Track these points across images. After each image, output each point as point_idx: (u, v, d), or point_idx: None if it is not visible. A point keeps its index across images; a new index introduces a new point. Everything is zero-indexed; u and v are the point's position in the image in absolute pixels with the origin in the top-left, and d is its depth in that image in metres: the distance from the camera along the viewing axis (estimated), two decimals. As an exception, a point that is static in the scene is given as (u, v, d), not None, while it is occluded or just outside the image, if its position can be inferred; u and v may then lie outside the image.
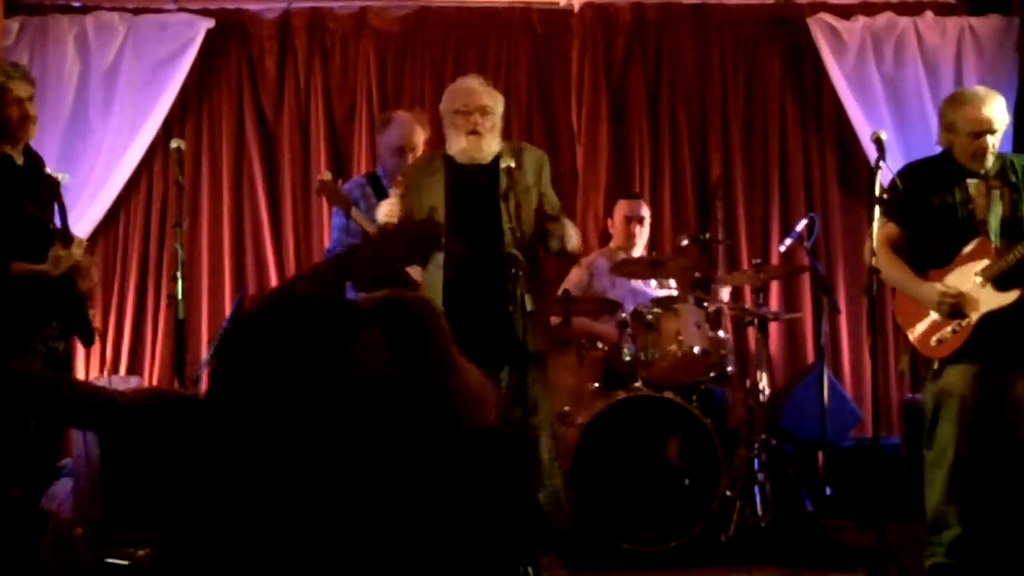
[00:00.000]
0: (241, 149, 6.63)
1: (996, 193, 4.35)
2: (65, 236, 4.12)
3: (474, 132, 4.45)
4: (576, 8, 6.70)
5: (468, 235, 4.31)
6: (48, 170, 4.36)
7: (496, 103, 4.54)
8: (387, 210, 4.60)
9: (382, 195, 5.22)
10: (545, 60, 6.76)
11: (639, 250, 6.04)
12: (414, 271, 5.11)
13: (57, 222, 4.23)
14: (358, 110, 6.65)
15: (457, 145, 4.48)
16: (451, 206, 4.48)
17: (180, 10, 6.50)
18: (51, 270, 4.04)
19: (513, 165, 4.27)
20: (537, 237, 4.47)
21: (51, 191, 4.26)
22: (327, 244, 6.46)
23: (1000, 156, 4.41)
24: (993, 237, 4.31)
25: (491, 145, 4.47)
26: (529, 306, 3.99)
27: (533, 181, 4.52)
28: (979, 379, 4.26)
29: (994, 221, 4.33)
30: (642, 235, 6.07)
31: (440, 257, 4.40)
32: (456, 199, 4.48)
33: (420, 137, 5.27)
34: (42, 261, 4.06)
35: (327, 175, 5.21)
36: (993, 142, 4.34)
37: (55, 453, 4.35)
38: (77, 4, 6.46)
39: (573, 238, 4.55)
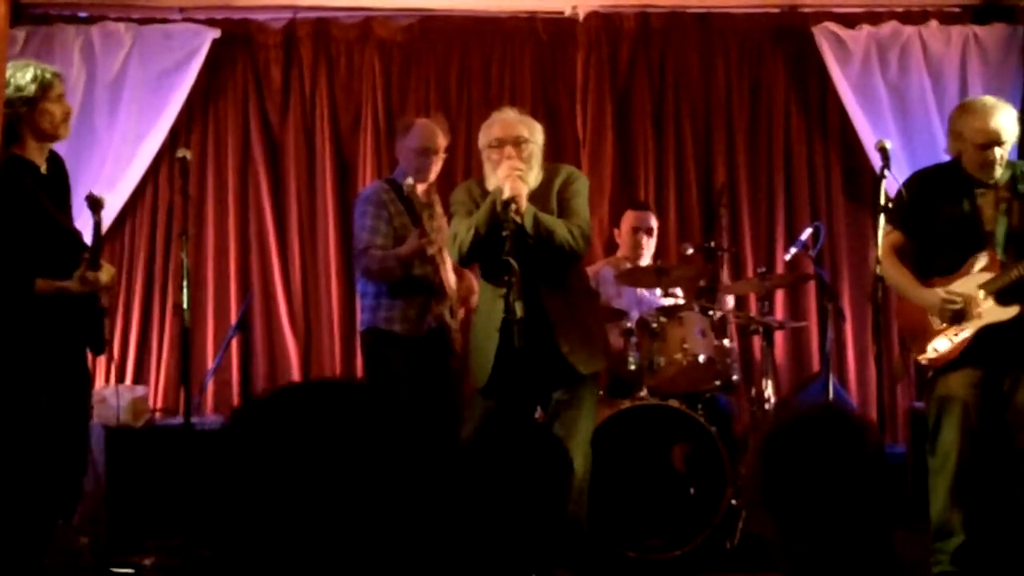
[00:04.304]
0: (247, 158, 6.64)
1: (1004, 205, 4.34)
2: (95, 260, 4.09)
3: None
4: (581, 17, 6.71)
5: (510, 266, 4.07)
6: (93, 192, 4.33)
7: (532, 132, 4.39)
8: (513, 183, 4.21)
9: (404, 200, 5.15)
10: (550, 68, 6.77)
11: (646, 260, 6.02)
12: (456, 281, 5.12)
13: (89, 241, 4.22)
14: (363, 119, 6.66)
15: (493, 183, 4.30)
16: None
17: (185, 20, 6.51)
18: (74, 288, 4.02)
19: (508, 196, 4.13)
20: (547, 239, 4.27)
21: (92, 207, 4.24)
22: (332, 252, 6.50)
23: (1011, 165, 4.40)
24: (999, 250, 4.31)
25: (528, 178, 4.30)
26: (519, 313, 3.96)
27: (557, 193, 4.39)
28: (981, 385, 4.26)
29: (1001, 233, 4.33)
30: (649, 246, 6.06)
31: (501, 288, 4.21)
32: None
33: (442, 141, 5.24)
34: (69, 269, 4.05)
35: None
36: (1001, 153, 4.33)
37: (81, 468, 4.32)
38: (83, 14, 6.48)
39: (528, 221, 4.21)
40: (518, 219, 4.15)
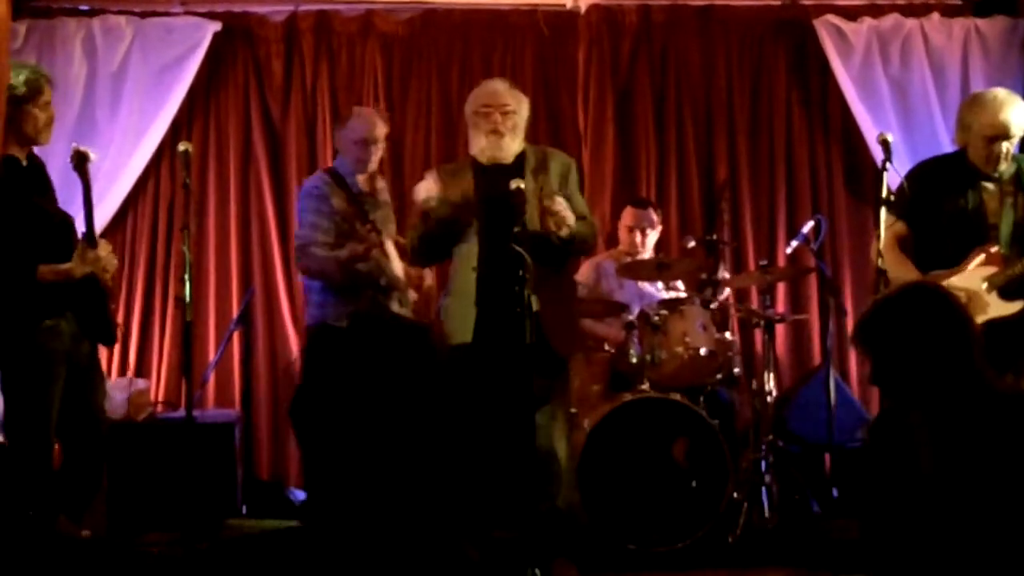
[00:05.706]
0: (248, 152, 6.64)
1: (1010, 199, 4.33)
2: (91, 237, 4.14)
3: (494, 132, 4.40)
4: (582, 10, 6.71)
5: (494, 235, 4.21)
6: (75, 145, 4.34)
7: (519, 104, 4.50)
8: (427, 188, 4.46)
9: (345, 190, 5.08)
10: (551, 62, 6.77)
11: (647, 255, 6.01)
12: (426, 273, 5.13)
13: (82, 224, 4.24)
14: (364, 112, 6.66)
15: (477, 145, 4.45)
16: (477, 206, 4.42)
17: (187, 13, 6.52)
18: (75, 269, 4.05)
19: (523, 186, 4.09)
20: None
21: (78, 164, 4.26)
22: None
23: (1015, 159, 4.39)
24: (1003, 244, 4.30)
25: (512, 145, 4.43)
26: (535, 306, 3.97)
27: (558, 186, 4.44)
28: None
29: (1005, 227, 4.32)
30: (646, 243, 6.02)
31: (474, 259, 4.33)
32: (481, 199, 4.41)
33: (382, 130, 5.17)
34: (60, 258, 4.06)
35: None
36: (1008, 147, 4.31)
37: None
38: (84, 7, 6.48)
39: (568, 222, 4.32)
40: (562, 236, 4.29)
